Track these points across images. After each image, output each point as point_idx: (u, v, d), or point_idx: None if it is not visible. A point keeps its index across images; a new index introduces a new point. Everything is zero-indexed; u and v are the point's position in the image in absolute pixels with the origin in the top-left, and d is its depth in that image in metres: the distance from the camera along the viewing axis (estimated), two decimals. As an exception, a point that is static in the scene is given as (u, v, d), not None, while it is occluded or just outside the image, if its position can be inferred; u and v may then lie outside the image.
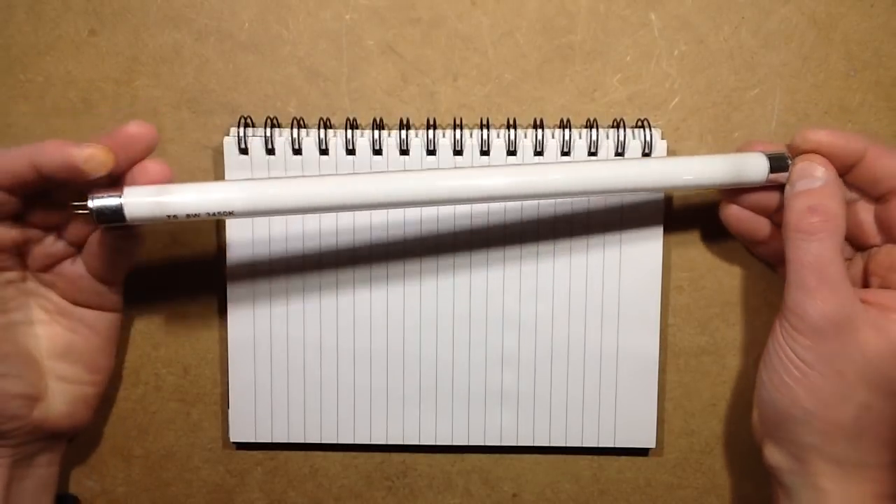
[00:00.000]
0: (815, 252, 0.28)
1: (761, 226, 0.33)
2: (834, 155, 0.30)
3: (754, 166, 0.30)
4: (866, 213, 0.31)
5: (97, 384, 0.33)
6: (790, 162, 0.30)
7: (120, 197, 0.27)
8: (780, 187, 0.31)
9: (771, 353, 0.30)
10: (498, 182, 0.29)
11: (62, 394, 0.32)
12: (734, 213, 0.33)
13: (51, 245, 0.31)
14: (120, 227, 0.27)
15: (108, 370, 0.34)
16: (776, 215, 0.32)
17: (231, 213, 0.27)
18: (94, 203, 0.26)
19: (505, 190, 0.29)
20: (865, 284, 0.32)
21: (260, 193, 0.28)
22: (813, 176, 0.29)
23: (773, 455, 0.31)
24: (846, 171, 0.30)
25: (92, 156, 0.26)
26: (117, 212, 0.26)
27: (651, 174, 0.30)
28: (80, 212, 0.27)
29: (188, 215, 0.27)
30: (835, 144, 0.30)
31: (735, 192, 0.32)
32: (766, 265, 0.36)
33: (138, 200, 0.27)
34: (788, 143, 0.31)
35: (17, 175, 0.27)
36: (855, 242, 0.32)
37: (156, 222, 0.27)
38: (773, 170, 0.30)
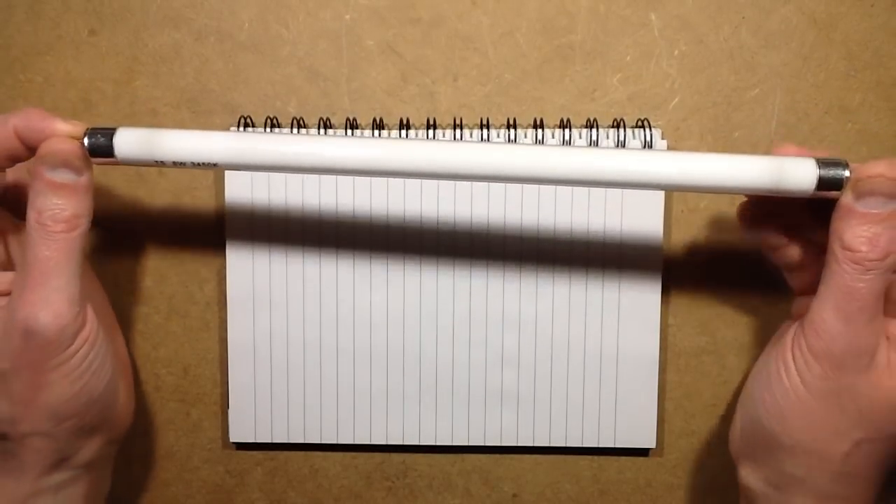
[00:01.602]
0: (868, 283, 0.25)
1: (780, 232, 0.30)
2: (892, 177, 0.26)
3: (800, 174, 0.26)
4: None
5: (128, 369, 0.33)
6: (846, 174, 0.26)
7: (112, 135, 0.28)
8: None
9: (771, 372, 0.28)
10: (508, 156, 0.27)
11: (121, 389, 0.32)
12: (753, 217, 0.30)
13: None
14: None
15: (126, 352, 0.34)
16: (807, 229, 0.29)
17: (215, 165, 0.28)
18: (88, 139, 0.28)
19: (517, 168, 0.27)
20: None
21: (248, 146, 0.28)
22: (886, 195, 0.25)
23: (749, 478, 0.29)
24: None
25: (72, 131, 0.28)
26: (108, 147, 0.28)
27: (681, 172, 0.27)
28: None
29: (174, 163, 0.28)
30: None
31: (750, 219, 0.30)
32: (782, 270, 0.32)
33: (129, 139, 0.28)
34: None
35: (2, 143, 0.28)
36: None
37: (143, 164, 0.28)
38: (821, 182, 0.26)
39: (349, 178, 0.34)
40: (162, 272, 0.36)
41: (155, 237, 0.36)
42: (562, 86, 0.35)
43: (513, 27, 0.34)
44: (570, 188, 0.34)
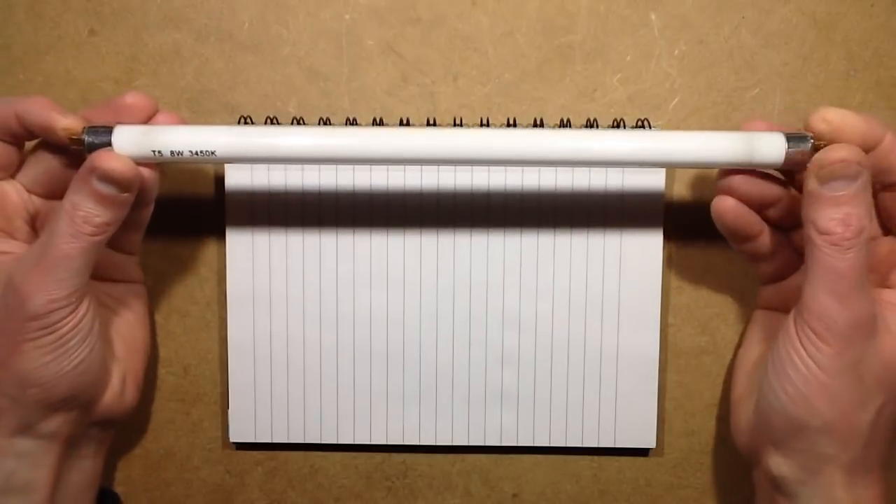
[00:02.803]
0: (851, 260, 0.27)
1: (755, 221, 0.31)
2: (851, 141, 0.27)
3: (769, 146, 0.28)
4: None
5: (139, 362, 0.33)
6: (811, 142, 0.28)
7: (110, 133, 0.29)
8: (782, 173, 0.30)
9: (784, 362, 0.28)
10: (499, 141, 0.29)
11: (112, 374, 0.32)
12: (731, 207, 0.31)
13: None
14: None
15: (146, 345, 0.34)
16: (771, 210, 0.31)
17: (213, 154, 0.29)
18: (86, 137, 0.28)
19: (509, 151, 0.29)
20: None
21: (241, 138, 0.29)
22: (848, 177, 0.27)
23: (780, 466, 0.29)
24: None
25: (69, 126, 0.28)
26: (106, 145, 0.28)
27: (654, 148, 0.29)
28: (74, 147, 0.29)
29: (172, 152, 0.29)
30: (856, 129, 0.27)
31: (731, 182, 0.30)
32: (748, 260, 0.33)
33: (126, 135, 0.29)
34: (804, 125, 0.29)
35: (3, 122, 0.29)
36: None
37: (142, 159, 0.29)
38: (789, 155, 0.28)
39: (350, 178, 0.34)
40: (162, 272, 0.36)
41: (155, 237, 0.36)
42: (562, 86, 0.35)
43: (513, 27, 0.34)
44: (569, 188, 0.34)
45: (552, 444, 0.36)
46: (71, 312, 0.28)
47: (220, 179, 0.35)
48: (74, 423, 0.30)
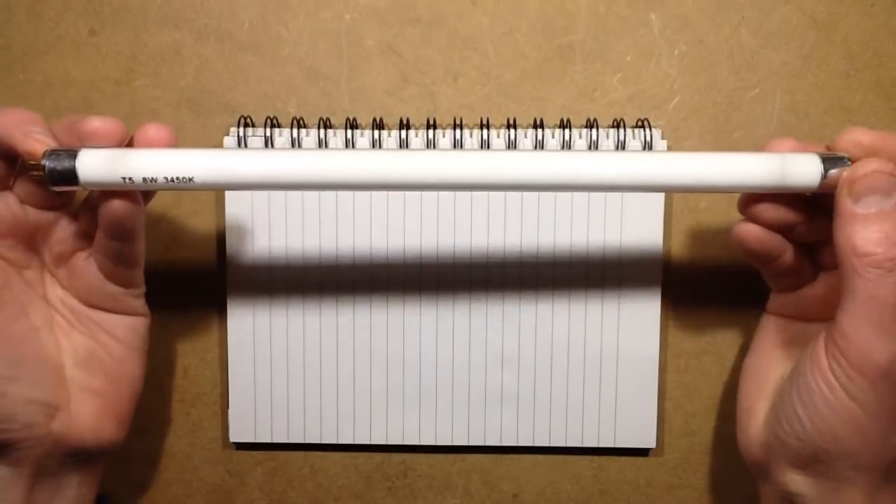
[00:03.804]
0: (894, 284, 0.25)
1: (779, 244, 0.29)
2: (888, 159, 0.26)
3: (803, 169, 0.26)
4: None
5: (123, 397, 0.31)
6: (849, 163, 0.26)
7: (74, 157, 0.25)
8: (808, 196, 0.28)
9: (813, 392, 0.27)
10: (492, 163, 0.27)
11: (87, 406, 0.30)
12: (756, 234, 0.29)
13: (64, 229, 0.29)
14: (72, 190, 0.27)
15: (135, 381, 0.32)
16: (796, 232, 0.29)
17: (191, 180, 0.26)
18: (47, 162, 0.25)
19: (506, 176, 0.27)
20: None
21: (222, 162, 0.26)
22: (884, 190, 0.25)
23: (799, 485, 0.28)
24: None
25: (29, 150, 0.26)
26: (69, 172, 0.25)
27: (682, 173, 0.27)
28: (34, 173, 0.26)
29: (144, 179, 0.26)
30: (886, 147, 0.26)
31: (757, 210, 0.29)
32: (766, 276, 0.32)
33: (92, 161, 0.25)
34: (827, 146, 0.27)
35: None
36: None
37: (111, 187, 0.26)
38: (825, 177, 0.26)
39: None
40: (162, 272, 0.36)
41: (155, 237, 0.36)
42: (562, 86, 0.35)
43: (513, 27, 0.34)
44: (570, 195, 0.34)
45: (552, 445, 0.36)
46: None
47: (220, 179, 0.35)
48: (35, 453, 0.29)
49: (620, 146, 0.33)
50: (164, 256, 0.36)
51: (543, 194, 0.34)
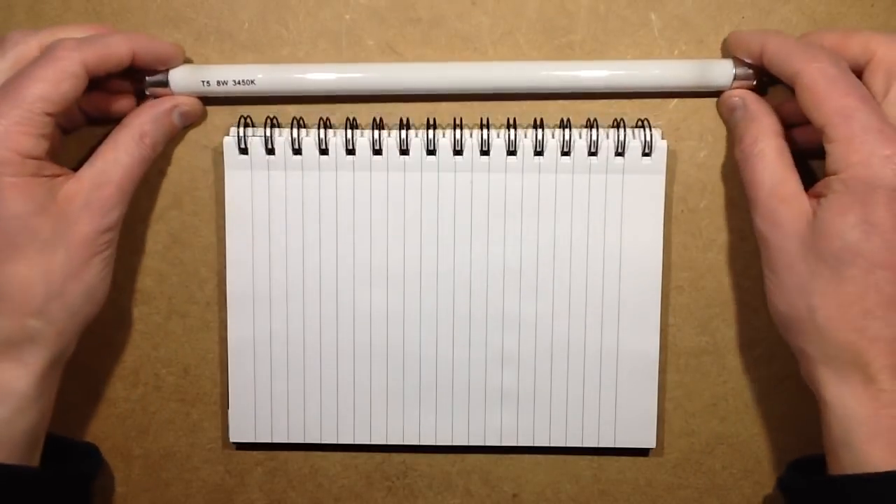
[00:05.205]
0: (769, 170, 0.30)
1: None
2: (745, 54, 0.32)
3: (720, 72, 0.33)
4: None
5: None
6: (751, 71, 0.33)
7: (167, 73, 0.33)
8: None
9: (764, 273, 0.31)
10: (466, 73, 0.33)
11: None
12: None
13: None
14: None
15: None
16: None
17: (252, 82, 0.33)
18: (150, 78, 0.33)
19: (477, 80, 0.33)
20: None
21: (281, 70, 0.34)
22: (737, 107, 0.33)
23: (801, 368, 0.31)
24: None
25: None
26: (164, 82, 0.33)
27: (619, 73, 0.33)
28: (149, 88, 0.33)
29: (219, 82, 0.33)
30: (739, 48, 0.33)
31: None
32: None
33: (179, 74, 0.33)
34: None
35: (116, 61, 0.31)
36: None
37: (193, 92, 0.34)
38: (737, 77, 0.33)
39: (350, 176, 0.34)
40: (162, 272, 0.36)
41: (155, 237, 0.36)
42: (562, 86, 0.35)
43: (513, 27, 0.34)
44: (569, 189, 0.34)
45: (552, 444, 0.36)
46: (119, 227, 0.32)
47: (220, 181, 0.35)
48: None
49: (620, 146, 0.33)
50: (164, 256, 0.36)
51: (544, 194, 0.34)
